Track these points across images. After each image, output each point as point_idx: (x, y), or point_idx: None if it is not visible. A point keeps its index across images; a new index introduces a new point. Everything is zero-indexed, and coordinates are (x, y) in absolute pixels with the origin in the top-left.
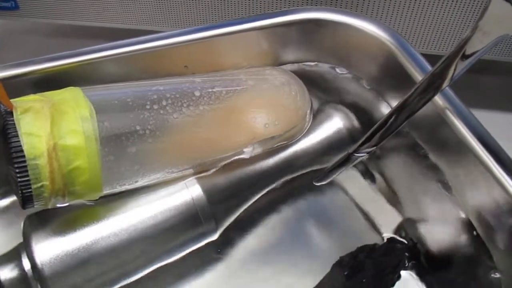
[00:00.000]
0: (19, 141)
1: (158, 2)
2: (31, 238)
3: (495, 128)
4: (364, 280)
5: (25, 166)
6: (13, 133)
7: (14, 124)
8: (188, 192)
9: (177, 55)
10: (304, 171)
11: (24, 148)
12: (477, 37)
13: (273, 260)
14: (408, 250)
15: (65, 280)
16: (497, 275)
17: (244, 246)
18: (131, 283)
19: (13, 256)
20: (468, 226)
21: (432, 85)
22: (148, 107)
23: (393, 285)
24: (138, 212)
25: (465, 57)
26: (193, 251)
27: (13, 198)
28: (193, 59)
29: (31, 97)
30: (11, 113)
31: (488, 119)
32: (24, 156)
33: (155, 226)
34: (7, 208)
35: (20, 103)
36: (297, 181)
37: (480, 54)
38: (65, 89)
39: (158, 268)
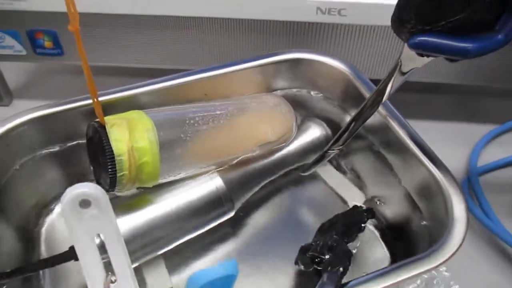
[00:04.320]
0: (110, 144)
1: (182, 49)
2: None
3: (435, 134)
4: (334, 234)
5: (114, 161)
6: (106, 140)
7: (106, 133)
8: (212, 182)
9: (199, 86)
10: (293, 166)
11: (114, 149)
12: (400, 67)
13: (273, 233)
14: (366, 211)
15: (129, 245)
16: (425, 223)
17: (251, 224)
18: (160, 254)
19: None
20: (408, 196)
21: (376, 99)
22: (187, 122)
23: (357, 236)
24: (178, 198)
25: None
26: (209, 230)
27: None
28: (211, 88)
29: (113, 116)
30: (103, 127)
31: (431, 127)
32: (113, 154)
33: (190, 207)
34: None
35: (108, 120)
36: (289, 176)
37: (404, 80)
38: (132, 111)
39: (183, 243)
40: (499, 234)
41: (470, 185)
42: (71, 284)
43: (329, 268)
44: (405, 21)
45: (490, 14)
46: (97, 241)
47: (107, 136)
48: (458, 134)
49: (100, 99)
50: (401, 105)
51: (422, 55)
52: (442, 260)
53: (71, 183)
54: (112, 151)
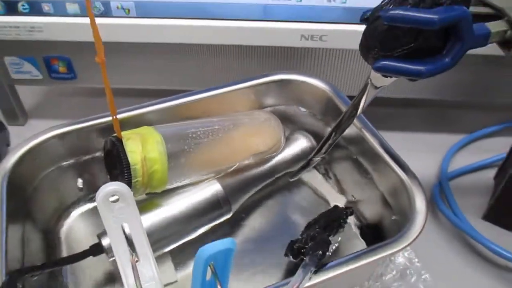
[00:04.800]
0: (126, 155)
1: (183, 72)
2: None
3: (411, 144)
4: (317, 228)
5: (129, 169)
6: (123, 151)
7: (123, 146)
8: (212, 187)
9: (199, 105)
10: (283, 173)
11: (129, 159)
12: (370, 85)
13: (266, 232)
14: (345, 209)
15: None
16: (394, 217)
17: (248, 224)
18: (167, 252)
19: None
20: (382, 197)
21: (352, 113)
22: (190, 135)
23: (338, 231)
24: (182, 201)
25: (368, 95)
26: (211, 230)
27: None
28: (209, 107)
29: (127, 131)
30: (121, 141)
31: (407, 137)
32: (129, 163)
33: (193, 209)
34: None
35: (124, 135)
36: (279, 181)
37: (374, 95)
38: (144, 127)
39: (185, 242)
40: (466, 231)
41: (441, 188)
42: (87, 279)
43: (311, 252)
44: (370, 49)
45: (438, 42)
46: (125, 229)
47: (123, 148)
48: (431, 144)
49: (122, 116)
50: (381, 118)
51: (386, 76)
52: (406, 243)
53: (86, 191)
54: (128, 161)
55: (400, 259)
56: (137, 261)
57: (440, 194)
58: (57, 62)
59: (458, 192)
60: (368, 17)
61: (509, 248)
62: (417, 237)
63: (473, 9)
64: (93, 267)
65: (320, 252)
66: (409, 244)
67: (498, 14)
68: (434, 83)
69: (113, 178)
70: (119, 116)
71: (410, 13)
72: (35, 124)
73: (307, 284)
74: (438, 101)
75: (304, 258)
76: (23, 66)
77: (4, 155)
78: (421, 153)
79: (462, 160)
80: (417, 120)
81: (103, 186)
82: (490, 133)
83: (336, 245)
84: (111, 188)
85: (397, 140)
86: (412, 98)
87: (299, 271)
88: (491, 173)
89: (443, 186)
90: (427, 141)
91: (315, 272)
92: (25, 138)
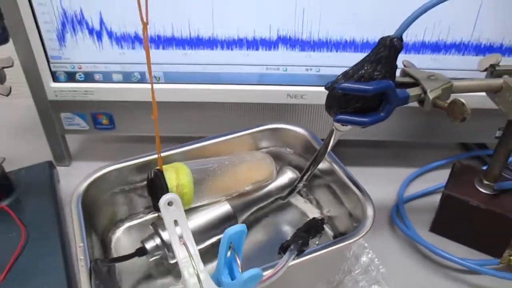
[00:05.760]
0: (166, 182)
1: (199, 122)
2: (159, 228)
3: (376, 176)
4: (300, 231)
5: (168, 192)
6: (163, 179)
7: (163, 176)
8: (223, 207)
9: (212, 147)
10: (275, 197)
11: (168, 185)
12: (335, 131)
13: (263, 242)
14: (320, 219)
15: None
16: (355, 224)
17: (249, 236)
18: None
19: (150, 237)
20: (348, 212)
21: (323, 151)
22: (208, 169)
23: (316, 235)
24: (202, 217)
25: (334, 138)
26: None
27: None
28: (220, 148)
29: (165, 165)
30: (162, 172)
31: (373, 171)
32: (168, 187)
33: (209, 223)
34: (146, 220)
35: (164, 167)
36: (273, 204)
37: (338, 138)
38: (176, 162)
39: (203, 248)
40: (414, 238)
41: (397, 209)
42: (130, 275)
43: (294, 242)
44: (331, 107)
45: (375, 103)
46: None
47: (164, 177)
48: (391, 176)
49: (153, 157)
50: (352, 157)
51: (343, 125)
52: (359, 236)
53: (128, 211)
54: (167, 186)
55: (364, 258)
56: (183, 243)
57: (396, 214)
58: (102, 116)
59: (411, 212)
60: (329, 87)
61: (447, 251)
62: (366, 233)
63: (401, 79)
64: (133, 269)
65: (301, 241)
66: (361, 237)
67: (416, 83)
68: (392, 128)
69: (153, 200)
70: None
71: (354, 85)
72: (78, 165)
73: (290, 263)
74: (396, 142)
75: (290, 247)
76: (74, 119)
77: (57, 189)
78: (383, 183)
79: (415, 188)
80: (380, 158)
81: (163, 196)
82: (436, 166)
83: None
84: (168, 196)
85: (364, 174)
86: (375, 140)
87: (286, 254)
88: (437, 197)
89: (399, 207)
90: (388, 174)
91: (297, 256)
92: (88, 173)
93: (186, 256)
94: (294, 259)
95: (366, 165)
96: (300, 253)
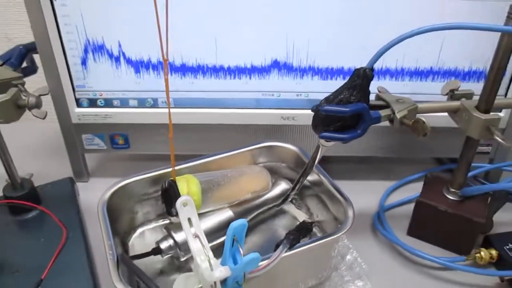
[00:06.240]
0: (178, 191)
1: (205, 140)
2: (171, 230)
3: (360, 188)
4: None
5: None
6: (176, 189)
7: (176, 185)
8: (226, 213)
9: (215, 162)
10: (271, 205)
11: (180, 193)
12: (320, 146)
13: (261, 244)
14: (310, 222)
15: (184, 246)
16: (339, 226)
17: (248, 239)
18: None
19: (164, 238)
20: (334, 217)
21: (311, 164)
22: (213, 180)
23: (306, 235)
24: (208, 222)
25: (320, 153)
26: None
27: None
28: (222, 162)
29: (178, 177)
30: (175, 182)
31: (358, 184)
32: (180, 196)
33: (214, 227)
34: (158, 226)
35: (176, 178)
36: (268, 211)
37: (323, 153)
38: (187, 174)
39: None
40: (392, 240)
41: (379, 216)
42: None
43: (287, 237)
44: (316, 126)
45: (353, 122)
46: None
47: (177, 186)
48: (373, 187)
49: (165, 171)
50: (341, 171)
51: (327, 141)
52: (341, 233)
53: (143, 217)
54: (179, 194)
55: (349, 257)
56: (196, 235)
57: (378, 220)
58: (118, 137)
59: (390, 218)
60: (314, 109)
61: (422, 250)
62: (347, 230)
63: (374, 102)
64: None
65: (292, 237)
66: (342, 234)
67: (387, 105)
68: (374, 145)
69: (167, 206)
70: (168, 169)
71: (335, 108)
72: (95, 181)
73: (283, 255)
74: (378, 158)
75: (284, 241)
76: (94, 140)
77: (78, 203)
78: (367, 194)
79: (394, 198)
80: (364, 172)
81: (180, 198)
82: (414, 179)
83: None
84: (183, 198)
85: (350, 186)
86: (360, 156)
87: (279, 248)
88: (413, 206)
89: (380, 214)
90: (371, 186)
91: (289, 249)
92: (111, 184)
93: (199, 246)
94: (286, 251)
95: (352, 179)
96: (291, 247)
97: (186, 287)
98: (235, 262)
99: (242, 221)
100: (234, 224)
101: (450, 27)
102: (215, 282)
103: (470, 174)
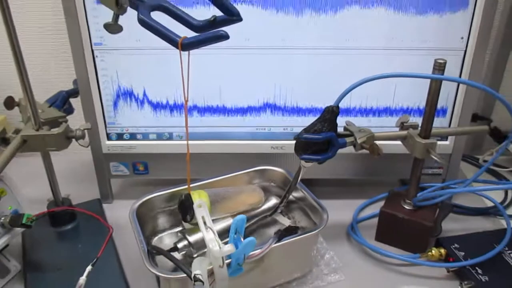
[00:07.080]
0: (193, 202)
1: (207, 166)
2: (186, 234)
3: (340, 205)
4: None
5: (193, 210)
6: (191, 201)
7: (191, 198)
8: (228, 222)
9: (219, 181)
10: (263, 215)
11: (194, 204)
12: (302, 167)
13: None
14: (295, 227)
15: (195, 245)
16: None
17: None
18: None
19: (180, 240)
20: (314, 223)
21: (295, 182)
22: (219, 195)
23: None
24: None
25: (302, 173)
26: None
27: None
28: (225, 182)
29: (192, 192)
30: (190, 195)
31: (343, 203)
32: (193, 206)
33: (218, 232)
34: (172, 233)
35: (192, 192)
36: (262, 221)
37: (303, 172)
38: (199, 190)
39: None
40: (364, 244)
41: (353, 226)
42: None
43: (275, 233)
44: (298, 150)
45: (325, 147)
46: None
47: (191, 199)
48: (348, 204)
49: (180, 188)
50: (322, 193)
51: (307, 162)
52: (317, 230)
53: (162, 226)
54: (193, 205)
55: (327, 256)
56: (209, 228)
57: (351, 229)
58: (139, 164)
59: (362, 228)
60: (296, 137)
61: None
62: (322, 228)
63: (342, 132)
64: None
65: (280, 233)
66: (318, 231)
67: (351, 134)
68: (349, 169)
69: (184, 215)
70: (182, 187)
71: (311, 136)
72: (118, 202)
73: (272, 246)
74: (352, 180)
75: (273, 236)
76: (119, 167)
77: (106, 219)
78: (343, 209)
79: (365, 212)
80: (342, 192)
81: (196, 201)
82: (381, 197)
83: None
84: (199, 201)
85: (330, 203)
86: (338, 179)
87: (270, 239)
88: None
89: (354, 225)
90: (347, 203)
91: (277, 242)
92: (139, 197)
93: (211, 235)
94: (276, 243)
95: (331, 198)
96: (278, 240)
97: (201, 266)
98: (237, 248)
99: (242, 216)
100: (237, 218)
101: (391, 75)
102: (223, 258)
103: (425, 191)
